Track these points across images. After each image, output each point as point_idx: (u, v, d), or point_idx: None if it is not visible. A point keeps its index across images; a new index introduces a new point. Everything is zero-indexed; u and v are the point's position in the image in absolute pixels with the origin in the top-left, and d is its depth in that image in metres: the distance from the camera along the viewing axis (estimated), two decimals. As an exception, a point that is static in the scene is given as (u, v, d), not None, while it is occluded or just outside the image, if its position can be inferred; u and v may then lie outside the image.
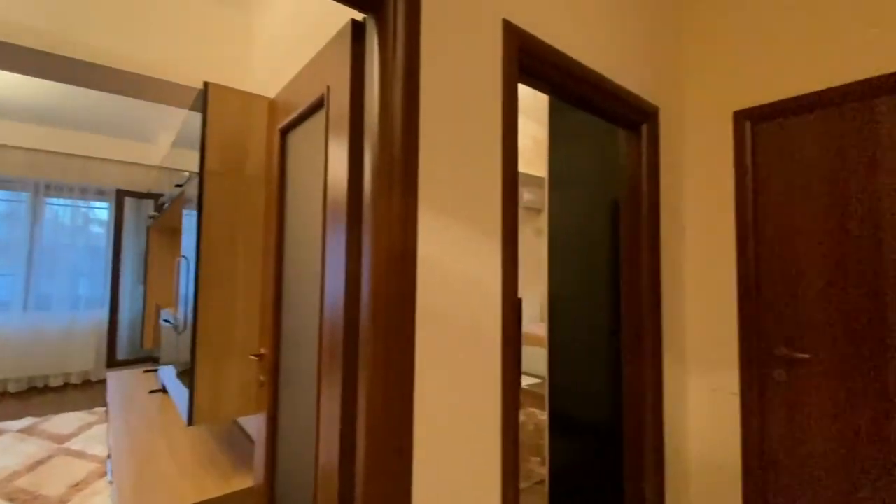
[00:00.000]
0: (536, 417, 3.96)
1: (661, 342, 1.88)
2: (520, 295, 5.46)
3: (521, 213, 5.47)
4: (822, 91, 1.74)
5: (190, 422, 1.68)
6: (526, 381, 5.12)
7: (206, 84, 1.77)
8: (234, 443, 2.05)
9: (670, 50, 2.09)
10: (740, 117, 1.96)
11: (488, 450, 1.19)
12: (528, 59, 1.38)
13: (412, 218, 1.04)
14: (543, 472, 2.85)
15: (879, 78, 1.61)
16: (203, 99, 1.78)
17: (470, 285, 1.18)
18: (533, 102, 3.78)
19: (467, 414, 1.15)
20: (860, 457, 1.61)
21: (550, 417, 2.50)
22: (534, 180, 4.78)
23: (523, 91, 3.69)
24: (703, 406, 2.02)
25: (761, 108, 1.90)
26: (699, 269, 2.07)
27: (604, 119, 1.89)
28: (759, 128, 1.92)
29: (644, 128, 1.92)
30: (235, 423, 2.28)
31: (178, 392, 1.90)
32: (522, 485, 2.77)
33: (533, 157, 4.39)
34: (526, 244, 5.40)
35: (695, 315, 2.07)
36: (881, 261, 1.59)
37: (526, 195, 5.41)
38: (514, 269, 1.28)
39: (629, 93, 1.81)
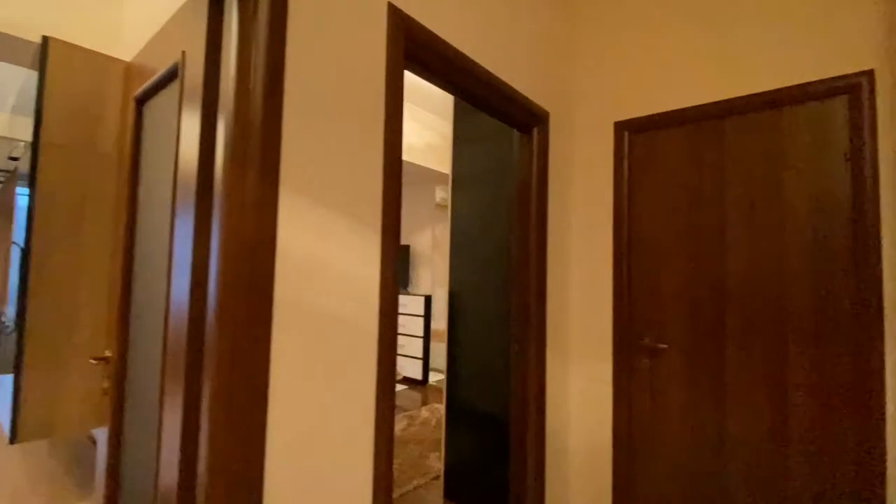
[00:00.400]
0: (440, 413, 3.99)
1: (544, 335, 1.97)
2: (429, 293, 5.43)
3: (437, 211, 5.49)
4: (686, 108, 1.94)
5: (13, 439, 1.41)
6: (435, 377, 5.16)
7: (45, 39, 1.50)
8: (85, 459, 1.77)
9: (562, 59, 2.20)
10: (620, 128, 2.12)
11: (358, 459, 1.14)
12: (415, 48, 1.34)
13: (271, 202, 0.95)
14: (441, 466, 2.86)
15: (728, 101, 1.83)
16: (41, 56, 1.51)
17: (342, 279, 1.11)
18: (444, 101, 3.80)
19: (336, 420, 1.08)
20: (703, 431, 1.82)
21: (449, 411, 2.52)
22: (447, 178, 4.81)
23: (434, 89, 3.70)
24: (582, 394, 2.16)
25: (638, 120, 2.07)
26: (583, 269, 2.20)
27: (497, 119, 1.93)
28: (635, 138, 2.09)
29: (535, 131, 2.00)
30: (89, 436, 1.97)
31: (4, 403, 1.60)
32: (420, 481, 2.76)
33: (446, 156, 4.42)
34: (445, 242, 5.42)
35: (579, 311, 2.20)
36: (724, 262, 1.81)
37: (440, 193, 5.45)
38: (393, 263, 1.24)
39: (521, 95, 1.86)
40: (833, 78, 1.63)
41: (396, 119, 1.25)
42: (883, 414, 1.48)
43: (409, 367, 4.99)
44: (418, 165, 4.14)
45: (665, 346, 1.92)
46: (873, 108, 1.56)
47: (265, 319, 0.93)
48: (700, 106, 1.90)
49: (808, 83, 1.67)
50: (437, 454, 3.14)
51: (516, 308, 1.99)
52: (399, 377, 4.20)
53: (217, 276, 0.91)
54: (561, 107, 2.17)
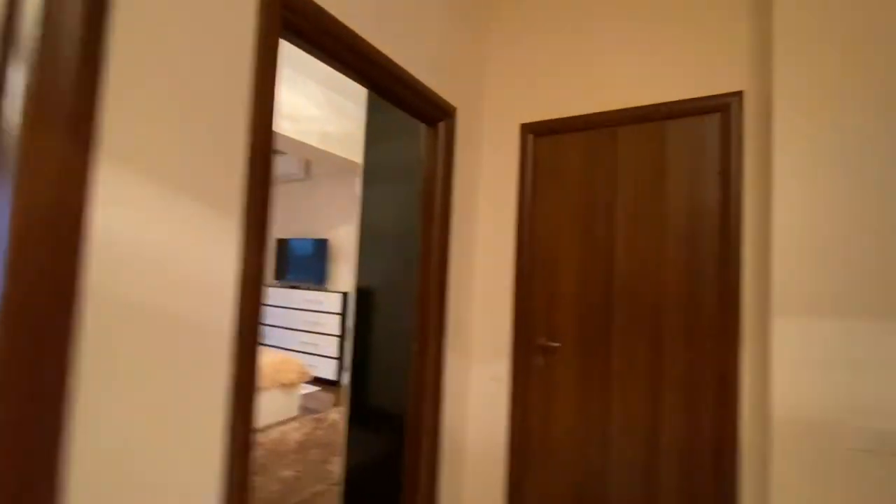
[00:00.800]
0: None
1: (444, 334, 1.93)
2: (348, 290, 5.20)
3: (357, 205, 5.29)
4: (586, 115, 2.00)
5: None
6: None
7: None
8: None
9: (471, 57, 2.19)
10: (525, 130, 2.14)
11: (201, 471, 1.00)
12: (297, 19, 1.23)
13: (81, 170, 0.79)
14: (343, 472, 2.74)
15: (620, 111, 1.92)
16: None
17: (181, 272, 0.97)
18: (365, 90, 3.66)
19: (172, 429, 0.94)
20: (590, 428, 1.89)
21: (353, 413, 2.40)
22: (365, 172, 4.65)
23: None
24: (483, 393, 2.16)
25: (542, 123, 2.11)
26: (488, 267, 2.20)
27: (402, 109, 1.86)
28: (540, 141, 2.12)
29: (441, 125, 1.95)
30: None
31: None
32: (318, 487, 2.61)
33: (365, 148, 4.26)
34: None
35: (483, 310, 2.19)
36: (613, 264, 1.90)
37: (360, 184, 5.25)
38: (258, 257, 1.11)
39: (425, 87, 1.81)
40: (708, 97, 1.76)
41: (266, 96, 1.13)
42: (737, 409, 1.62)
43: (322, 368, 4.77)
44: (336, 155, 3.96)
45: (558, 344, 1.97)
46: (740, 127, 1.70)
47: (65, 313, 0.77)
48: (597, 114, 1.98)
49: (688, 100, 1.79)
50: (342, 459, 3.00)
51: (417, 305, 1.94)
52: (309, 378, 3.99)
53: (3, 256, 0.74)
54: (469, 104, 2.15)
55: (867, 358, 1.32)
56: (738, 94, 1.71)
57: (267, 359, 3.66)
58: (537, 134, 2.12)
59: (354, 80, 1.60)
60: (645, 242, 1.85)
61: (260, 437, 3.26)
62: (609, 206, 1.93)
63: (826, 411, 1.36)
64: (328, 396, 4.40)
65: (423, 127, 2.00)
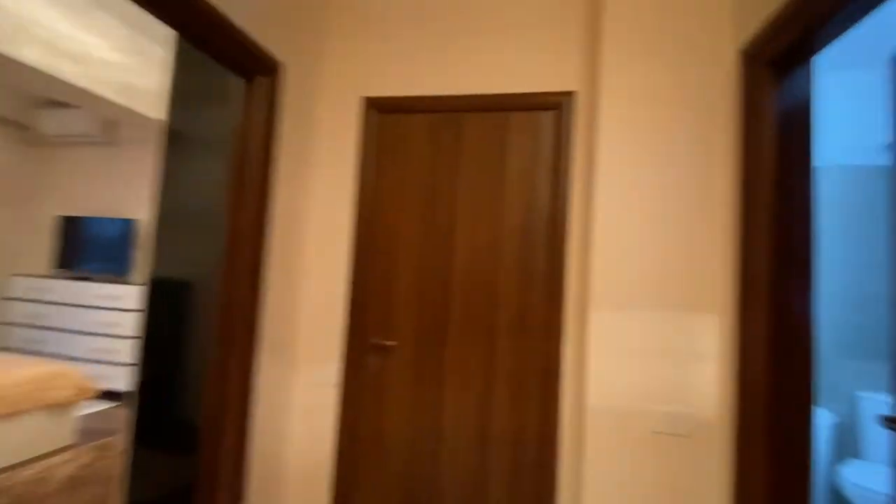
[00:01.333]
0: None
1: (255, 336, 1.60)
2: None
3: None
4: (435, 97, 1.87)
5: None
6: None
7: None
8: None
9: (309, 13, 1.88)
10: (369, 105, 1.92)
11: None
12: None
13: None
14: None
15: (467, 96, 1.84)
16: None
17: None
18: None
19: None
20: (424, 431, 1.77)
21: (139, 438, 1.87)
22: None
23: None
24: (309, 404, 1.88)
25: (389, 99, 1.91)
26: (320, 258, 1.92)
27: (210, 55, 1.47)
28: (384, 119, 1.92)
29: (262, 81, 1.61)
30: None
31: None
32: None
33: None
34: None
35: (314, 308, 1.91)
36: (452, 256, 1.80)
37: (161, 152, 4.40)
38: None
39: (241, 31, 1.45)
40: (546, 93, 1.78)
41: None
42: (558, 400, 1.66)
43: (113, 378, 3.84)
44: (144, 115, 3.19)
45: (394, 342, 1.80)
46: (570, 126, 1.75)
47: None
48: (445, 97, 1.86)
49: (529, 94, 1.79)
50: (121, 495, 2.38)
51: (219, 301, 1.56)
52: (94, 393, 3.13)
53: None
54: (302, 64, 1.83)
55: (668, 347, 1.44)
56: (571, 94, 1.75)
57: (27, 372, 2.74)
58: (382, 110, 1.92)
59: (146, 9, 1.17)
60: (484, 235, 1.79)
61: (4, 480, 2.40)
62: (451, 195, 1.84)
63: (633, 398, 1.45)
64: (120, 413, 3.56)
65: (232, 80, 1.63)
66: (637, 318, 1.46)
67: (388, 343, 1.81)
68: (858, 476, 1.99)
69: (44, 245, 4.59)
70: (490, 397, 1.73)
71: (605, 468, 1.45)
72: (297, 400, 1.89)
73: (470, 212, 1.81)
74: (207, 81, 2.00)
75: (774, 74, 1.27)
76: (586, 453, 1.47)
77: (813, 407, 1.21)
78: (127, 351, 3.89)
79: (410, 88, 1.90)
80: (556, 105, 1.76)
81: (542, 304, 1.72)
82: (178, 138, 2.06)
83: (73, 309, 4.08)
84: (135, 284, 4.02)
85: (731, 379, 1.38)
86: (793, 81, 1.26)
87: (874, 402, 2.20)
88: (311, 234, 1.94)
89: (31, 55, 2.57)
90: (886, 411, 2.14)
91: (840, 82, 2.45)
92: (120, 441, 3.05)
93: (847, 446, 2.31)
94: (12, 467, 2.53)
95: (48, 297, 4.15)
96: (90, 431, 3.16)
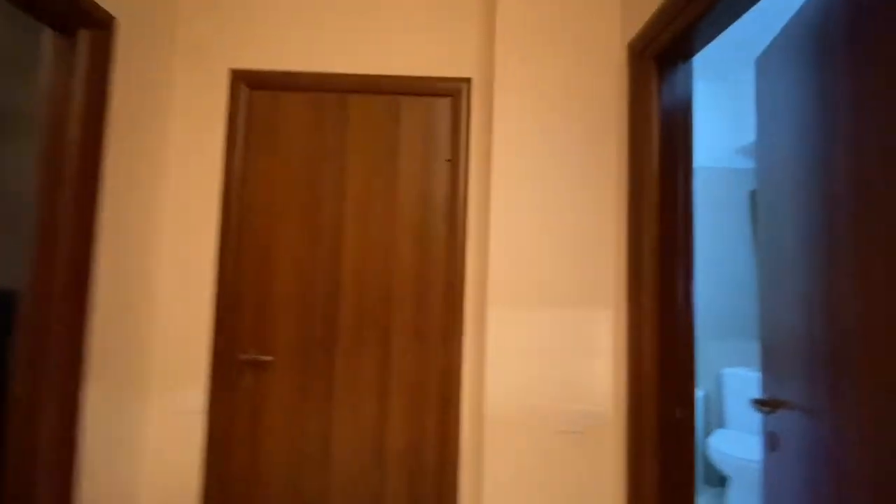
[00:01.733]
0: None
1: (80, 362, 1.26)
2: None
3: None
4: (313, 73, 1.65)
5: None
6: None
7: None
8: None
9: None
10: (238, 78, 1.64)
11: None
12: None
13: None
14: None
15: (349, 75, 1.64)
16: None
17: None
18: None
19: None
20: (310, 447, 1.56)
21: None
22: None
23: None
24: (167, 438, 1.55)
25: (261, 73, 1.65)
26: (178, 262, 1.60)
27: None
28: (256, 96, 1.65)
29: (84, 36, 1.26)
30: None
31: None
32: None
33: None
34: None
35: (171, 324, 1.58)
36: (341, 257, 1.61)
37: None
38: None
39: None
40: (440, 78, 1.66)
41: None
42: (458, 405, 1.56)
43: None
44: None
45: (270, 357, 1.56)
46: (469, 115, 1.65)
47: None
48: (325, 74, 1.65)
49: (420, 77, 1.65)
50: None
51: (23, 320, 1.20)
52: None
53: None
54: (142, 22, 1.49)
55: (565, 345, 1.40)
56: (468, 81, 1.66)
57: None
58: (252, 86, 1.65)
59: None
60: (377, 231, 1.62)
61: None
62: (338, 186, 1.63)
63: (533, 398, 1.39)
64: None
65: (46, 35, 1.26)
66: (534, 316, 1.41)
67: (264, 358, 1.56)
68: (724, 444, 2.20)
69: None
70: (386, 409, 1.58)
71: (506, 470, 1.38)
72: (151, 434, 1.55)
73: (359, 205, 1.62)
74: (11, 37, 1.56)
75: (659, 69, 1.28)
76: (485, 457, 1.38)
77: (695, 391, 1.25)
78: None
79: (287, 62, 1.66)
80: (452, 92, 1.65)
81: (440, 305, 1.60)
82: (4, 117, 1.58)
83: None
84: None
85: (624, 372, 1.39)
86: (676, 77, 1.28)
87: (736, 377, 2.46)
88: (165, 234, 1.61)
89: None
90: (746, 385, 2.41)
91: (703, 89, 2.71)
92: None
93: (713, 417, 2.57)
94: None
95: None
96: None
